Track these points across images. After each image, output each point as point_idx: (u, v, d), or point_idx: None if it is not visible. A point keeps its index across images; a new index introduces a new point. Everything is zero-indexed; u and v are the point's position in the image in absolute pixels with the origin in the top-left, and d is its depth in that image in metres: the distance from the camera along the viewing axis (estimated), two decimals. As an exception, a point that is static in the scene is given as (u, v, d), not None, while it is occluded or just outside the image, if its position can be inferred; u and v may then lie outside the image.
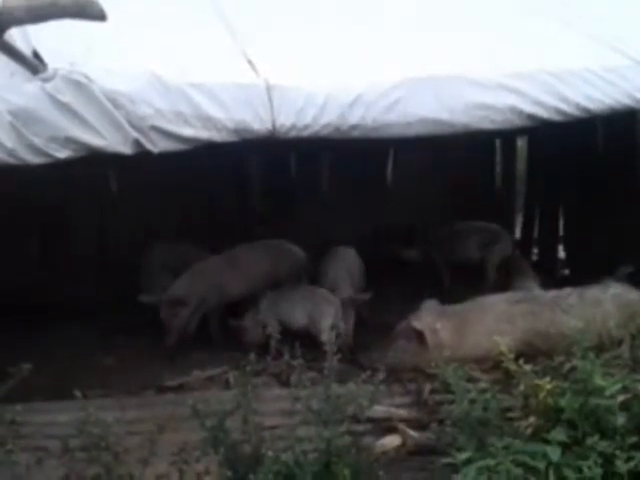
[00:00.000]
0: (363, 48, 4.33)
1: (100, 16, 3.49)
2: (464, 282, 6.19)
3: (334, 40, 4.38)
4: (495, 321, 4.58)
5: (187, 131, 3.85)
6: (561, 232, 7.59)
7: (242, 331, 5.41)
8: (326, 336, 4.76)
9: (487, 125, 4.29)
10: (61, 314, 5.61)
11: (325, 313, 5.22)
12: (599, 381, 3.24)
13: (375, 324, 5.53)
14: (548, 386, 3.31)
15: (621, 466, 2.98)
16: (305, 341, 5.06)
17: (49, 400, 4.24)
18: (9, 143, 3.61)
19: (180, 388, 4.68)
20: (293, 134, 4.01)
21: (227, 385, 4.56)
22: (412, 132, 4.19)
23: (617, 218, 6.26)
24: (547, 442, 3.15)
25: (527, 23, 4.78)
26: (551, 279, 6.29)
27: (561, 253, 7.61)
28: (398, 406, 4.12)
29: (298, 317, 5.33)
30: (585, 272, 5.55)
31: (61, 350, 5.29)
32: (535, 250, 7.83)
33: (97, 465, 3.02)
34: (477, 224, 6.73)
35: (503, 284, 5.78)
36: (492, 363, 4.13)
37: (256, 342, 5.09)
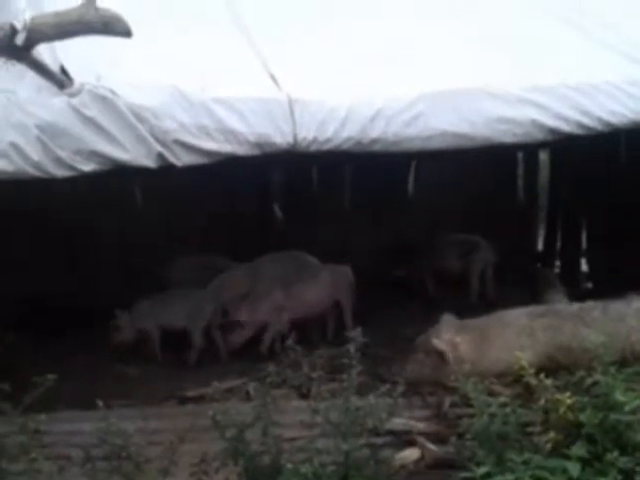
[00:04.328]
0: (384, 62, 4.35)
1: (125, 32, 3.57)
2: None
3: (355, 54, 4.40)
4: (516, 335, 4.53)
5: (210, 145, 3.90)
6: (584, 245, 7.54)
7: (114, 330, 5.47)
8: (197, 335, 5.31)
9: (508, 139, 4.29)
10: (85, 322, 5.67)
11: (201, 313, 5.43)
12: (620, 396, 3.21)
13: (396, 337, 5.54)
14: (568, 401, 3.29)
15: (641, 483, 2.97)
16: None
17: (72, 409, 4.28)
18: (35, 156, 3.69)
19: (201, 399, 4.70)
20: (314, 148, 4.05)
21: (247, 397, 4.58)
22: (433, 146, 4.21)
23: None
24: (567, 457, 3.12)
25: (547, 35, 4.76)
26: (574, 292, 6.23)
27: (584, 266, 7.55)
28: (417, 419, 4.09)
29: (177, 319, 5.47)
30: (608, 286, 5.50)
31: (85, 359, 5.34)
32: (558, 263, 7.78)
33: (118, 475, 3.06)
34: (457, 236, 6.78)
35: (530, 297, 5.73)
36: (513, 377, 4.10)
37: (127, 342, 5.46)
